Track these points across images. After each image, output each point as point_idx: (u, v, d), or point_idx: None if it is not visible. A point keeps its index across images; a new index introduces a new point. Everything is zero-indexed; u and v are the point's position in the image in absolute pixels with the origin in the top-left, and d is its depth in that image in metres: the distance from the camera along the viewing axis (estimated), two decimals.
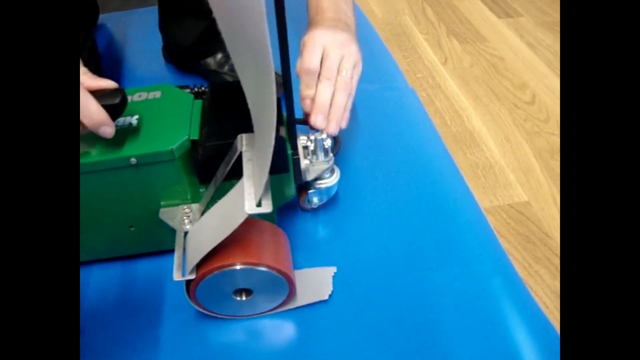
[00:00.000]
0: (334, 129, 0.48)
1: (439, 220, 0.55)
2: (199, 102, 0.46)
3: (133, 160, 0.40)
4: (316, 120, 0.48)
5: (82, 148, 0.41)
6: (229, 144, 0.40)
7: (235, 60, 0.29)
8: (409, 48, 1.13)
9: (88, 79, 0.39)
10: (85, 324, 0.46)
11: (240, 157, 0.39)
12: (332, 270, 0.48)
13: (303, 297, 0.46)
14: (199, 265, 0.39)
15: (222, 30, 0.27)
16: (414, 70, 1.05)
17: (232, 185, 0.41)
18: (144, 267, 0.51)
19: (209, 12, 0.71)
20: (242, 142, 0.39)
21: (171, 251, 0.49)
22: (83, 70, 0.40)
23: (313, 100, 0.49)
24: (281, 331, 0.46)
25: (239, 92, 0.44)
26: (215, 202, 0.40)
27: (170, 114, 0.43)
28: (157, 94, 0.45)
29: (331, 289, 0.47)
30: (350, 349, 0.44)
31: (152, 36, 0.83)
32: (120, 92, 0.39)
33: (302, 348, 0.44)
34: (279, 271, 0.41)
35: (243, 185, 0.37)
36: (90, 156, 0.40)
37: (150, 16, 0.93)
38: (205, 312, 0.45)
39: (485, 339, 0.44)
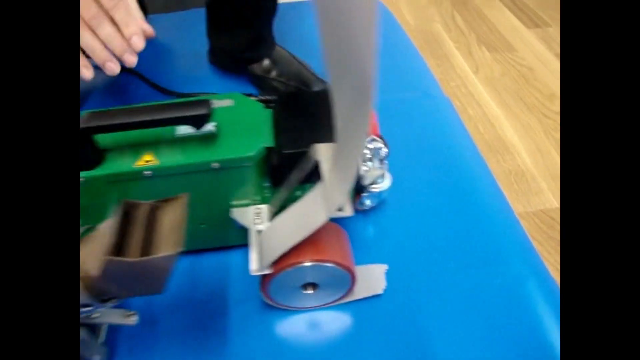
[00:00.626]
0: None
1: (476, 222, 0.59)
2: (268, 111, 0.50)
3: (215, 165, 0.44)
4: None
5: (167, 152, 0.45)
6: (303, 152, 0.44)
7: (334, 73, 0.33)
8: (442, 56, 1.16)
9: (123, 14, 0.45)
10: (158, 312, 0.50)
11: (314, 164, 0.43)
12: (384, 267, 0.52)
13: (359, 291, 0.50)
14: (274, 261, 0.44)
15: (327, 46, 0.30)
16: (447, 78, 1.08)
17: (302, 190, 0.45)
18: (209, 261, 0.55)
19: (256, 21, 0.74)
20: (319, 151, 0.43)
21: (234, 247, 0.54)
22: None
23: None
24: (339, 322, 0.50)
25: (306, 102, 0.49)
26: (286, 204, 0.45)
27: (245, 122, 0.48)
28: (230, 102, 0.50)
29: (385, 284, 0.51)
30: (402, 340, 0.48)
31: (196, 39, 0.87)
32: (207, 103, 0.43)
33: (358, 338, 0.48)
34: (344, 267, 0.45)
35: (320, 191, 0.41)
36: (176, 160, 0.45)
37: (192, 19, 0.98)
38: (271, 303, 0.49)
39: (521, 336, 0.48)
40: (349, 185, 0.38)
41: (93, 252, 0.33)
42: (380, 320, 0.49)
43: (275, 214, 0.48)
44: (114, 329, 0.48)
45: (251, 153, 0.45)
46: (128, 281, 0.33)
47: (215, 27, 0.79)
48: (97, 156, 0.45)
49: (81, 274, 0.33)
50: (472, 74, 0.99)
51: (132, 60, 0.49)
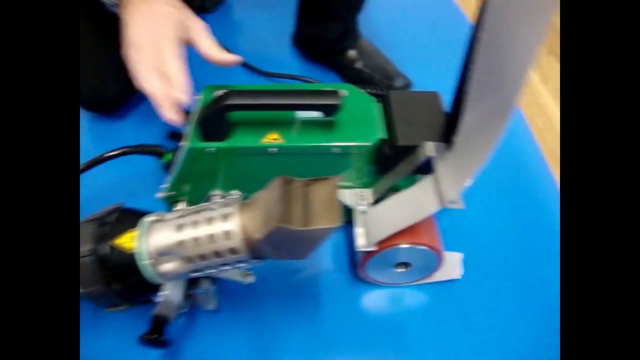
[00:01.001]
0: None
1: (538, 223, 0.64)
2: (378, 104, 0.54)
3: (336, 149, 0.49)
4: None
5: (291, 133, 0.50)
6: (415, 146, 0.49)
7: (483, 84, 0.37)
8: None
9: (212, 50, 0.52)
10: (257, 276, 0.56)
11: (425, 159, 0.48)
12: (461, 255, 0.57)
13: (439, 274, 0.55)
14: (380, 240, 0.49)
15: (484, 62, 0.35)
16: None
17: (407, 180, 0.50)
18: None
19: (347, 14, 0.77)
20: (431, 148, 0.47)
21: None
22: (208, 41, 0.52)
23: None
24: (419, 299, 0.56)
25: (414, 100, 0.53)
26: (388, 191, 0.50)
27: (359, 112, 0.52)
28: (345, 93, 0.54)
29: (462, 271, 0.56)
30: (475, 322, 0.54)
31: (275, 19, 0.90)
32: (338, 94, 0.47)
33: (434, 315, 0.54)
34: (435, 250, 0.50)
35: (432, 183, 0.46)
36: (301, 141, 0.49)
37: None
38: (363, 277, 0.55)
39: None
40: (466, 183, 0.43)
41: (255, 218, 0.38)
42: (457, 302, 0.55)
43: (377, 198, 0.53)
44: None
45: (369, 142, 0.49)
46: (284, 246, 0.38)
47: (306, 16, 0.83)
48: (226, 130, 0.50)
49: (244, 236, 0.38)
50: (540, 84, 1.01)
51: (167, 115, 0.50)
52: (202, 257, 0.39)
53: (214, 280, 0.49)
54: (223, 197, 0.54)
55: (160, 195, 0.56)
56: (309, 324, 0.53)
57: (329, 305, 0.55)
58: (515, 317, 0.54)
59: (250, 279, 0.49)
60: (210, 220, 0.39)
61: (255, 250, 0.39)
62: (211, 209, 0.39)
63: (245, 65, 0.83)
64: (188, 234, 0.39)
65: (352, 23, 0.80)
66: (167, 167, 0.56)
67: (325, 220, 0.37)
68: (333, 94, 0.47)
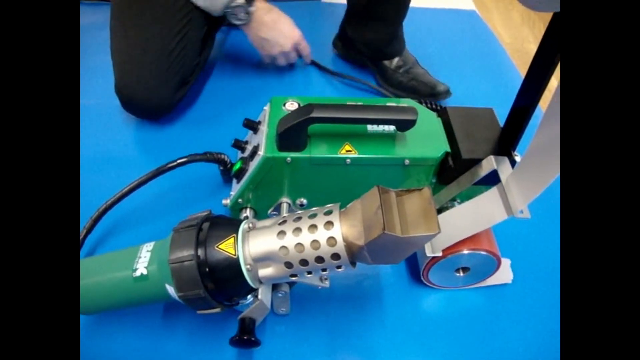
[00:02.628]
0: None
1: None
2: (438, 119, 0.58)
3: (407, 161, 0.53)
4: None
5: (364, 145, 0.53)
6: (479, 159, 0.52)
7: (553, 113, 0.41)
8: None
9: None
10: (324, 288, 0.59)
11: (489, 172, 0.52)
12: (509, 261, 0.61)
13: (492, 278, 0.59)
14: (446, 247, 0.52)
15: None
16: (543, 99, 1.14)
17: (469, 191, 0.54)
18: None
19: (396, 18, 0.82)
20: (493, 162, 0.51)
21: None
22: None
23: None
24: (474, 301, 0.59)
25: (474, 118, 0.57)
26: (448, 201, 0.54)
27: (424, 127, 0.56)
28: (409, 106, 0.57)
29: (512, 275, 0.60)
30: (528, 324, 0.57)
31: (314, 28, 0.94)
32: (414, 110, 0.51)
33: (492, 316, 0.58)
34: (494, 255, 0.54)
35: (498, 194, 0.50)
36: (375, 153, 0.53)
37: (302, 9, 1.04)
38: (425, 282, 0.58)
39: None
40: (535, 195, 0.47)
41: (356, 225, 0.41)
42: (509, 304, 0.59)
43: (439, 207, 0.57)
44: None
45: (437, 155, 0.53)
46: (382, 252, 0.41)
47: (357, 18, 0.86)
48: (305, 141, 0.52)
49: (346, 242, 0.41)
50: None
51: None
52: (304, 262, 0.42)
53: (291, 285, 0.52)
54: (290, 205, 0.58)
55: (226, 202, 0.59)
56: (373, 325, 0.56)
57: (390, 307, 0.58)
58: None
59: (327, 284, 0.52)
60: (313, 228, 0.41)
61: (354, 255, 0.42)
62: (312, 217, 0.42)
63: (314, 64, 0.93)
64: (291, 240, 0.41)
65: (399, 28, 0.84)
66: (236, 175, 0.58)
67: (424, 228, 0.40)
68: (410, 110, 0.51)
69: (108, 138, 0.77)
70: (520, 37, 1.21)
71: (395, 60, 0.85)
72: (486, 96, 0.89)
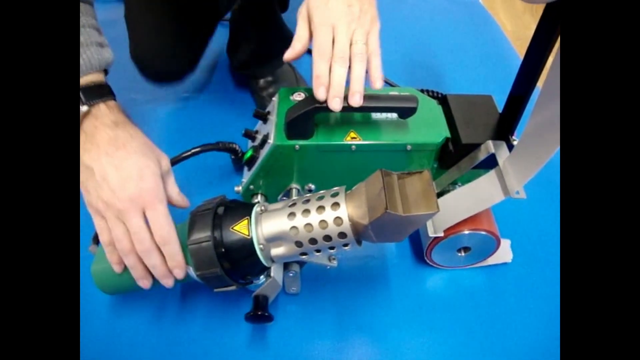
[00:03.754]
0: (358, 102, 0.50)
1: None
2: (439, 107, 0.61)
3: (409, 147, 0.55)
4: (332, 104, 0.49)
5: (368, 132, 0.56)
6: (478, 144, 0.55)
7: (546, 98, 0.44)
8: None
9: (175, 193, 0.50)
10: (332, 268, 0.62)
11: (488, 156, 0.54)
12: (508, 241, 0.64)
13: (492, 258, 0.62)
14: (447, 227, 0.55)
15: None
16: (541, 84, 1.16)
17: (468, 175, 0.56)
18: None
19: (261, 38, 0.79)
20: (491, 146, 0.54)
21: None
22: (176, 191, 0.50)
23: (327, 85, 0.49)
24: (475, 280, 0.62)
25: (473, 105, 0.59)
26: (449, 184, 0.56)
27: (425, 113, 0.58)
28: (410, 94, 0.60)
29: (512, 255, 0.63)
30: (528, 301, 0.60)
31: None
32: (415, 98, 0.53)
33: (493, 294, 0.61)
34: (494, 235, 0.57)
35: (495, 176, 0.52)
36: (378, 139, 0.55)
37: None
38: (428, 261, 0.61)
39: None
40: (530, 176, 0.49)
41: (361, 206, 0.44)
42: (509, 283, 0.62)
43: (440, 190, 0.59)
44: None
45: (437, 140, 0.56)
46: (385, 230, 0.44)
47: (235, 33, 0.85)
48: (312, 129, 0.55)
49: (352, 222, 0.44)
50: None
51: (169, 283, 0.48)
52: (313, 241, 0.45)
53: (301, 264, 0.55)
54: (299, 191, 0.61)
55: (238, 189, 0.62)
56: (379, 303, 0.59)
57: (395, 287, 0.61)
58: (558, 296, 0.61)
59: (335, 263, 0.55)
60: (320, 209, 0.44)
61: (359, 234, 0.45)
62: (319, 199, 0.45)
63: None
64: (300, 220, 0.45)
65: (271, 47, 0.81)
66: (247, 163, 0.61)
67: (424, 207, 0.43)
68: (411, 98, 0.54)
69: None
70: (522, 25, 1.22)
71: (260, 82, 0.84)
72: (488, 83, 0.91)
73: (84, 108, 0.43)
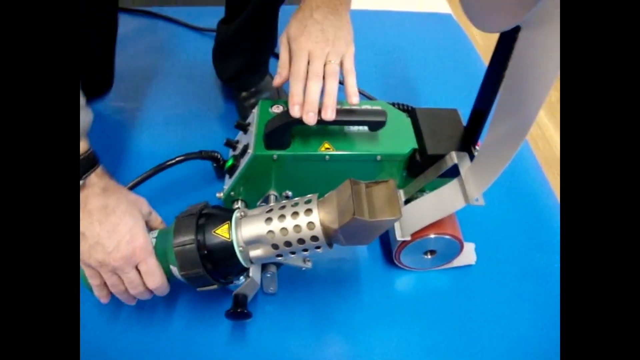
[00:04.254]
0: (330, 115, 0.54)
1: (537, 216, 0.76)
2: (408, 119, 0.65)
3: (379, 157, 0.60)
4: (307, 118, 0.54)
5: (341, 143, 0.60)
6: (442, 155, 0.60)
7: (505, 110, 0.49)
8: None
9: (158, 222, 0.56)
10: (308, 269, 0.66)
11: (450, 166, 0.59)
12: (473, 245, 0.69)
13: (458, 260, 0.67)
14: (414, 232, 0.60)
15: (508, 94, 0.46)
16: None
17: (433, 183, 0.61)
18: None
19: (249, 51, 0.83)
20: (454, 157, 0.58)
21: None
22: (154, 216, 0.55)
23: (302, 103, 0.54)
24: (441, 281, 0.67)
25: (439, 118, 0.64)
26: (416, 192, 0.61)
27: (394, 125, 0.63)
28: (379, 108, 0.64)
29: (476, 257, 0.68)
30: (488, 297, 0.65)
31: None
32: (384, 112, 0.58)
33: (458, 294, 0.65)
34: (457, 239, 0.62)
35: (458, 185, 0.57)
36: (350, 149, 0.60)
37: None
38: (398, 264, 0.65)
39: None
40: (488, 185, 0.54)
41: (332, 212, 0.48)
42: (474, 283, 0.67)
43: (408, 197, 0.64)
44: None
45: (405, 151, 0.60)
46: (354, 234, 0.48)
47: (219, 46, 0.87)
48: (288, 140, 0.59)
49: (323, 226, 0.48)
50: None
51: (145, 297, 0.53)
52: (288, 243, 0.49)
53: (278, 266, 0.59)
54: (276, 197, 0.65)
55: (220, 195, 0.66)
56: (352, 303, 0.64)
57: (367, 287, 0.65)
58: (520, 295, 0.66)
59: (310, 265, 0.59)
60: (295, 215, 0.48)
61: (330, 237, 0.49)
62: (294, 205, 0.49)
63: None
64: (276, 225, 0.48)
65: (259, 60, 0.85)
66: (228, 171, 0.65)
67: (389, 213, 0.47)
68: (381, 112, 0.58)
69: (115, 139, 0.84)
70: (494, 40, 1.29)
71: (243, 94, 0.87)
72: (459, 95, 0.96)
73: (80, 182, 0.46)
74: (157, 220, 0.57)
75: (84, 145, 0.48)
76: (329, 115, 0.55)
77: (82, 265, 0.50)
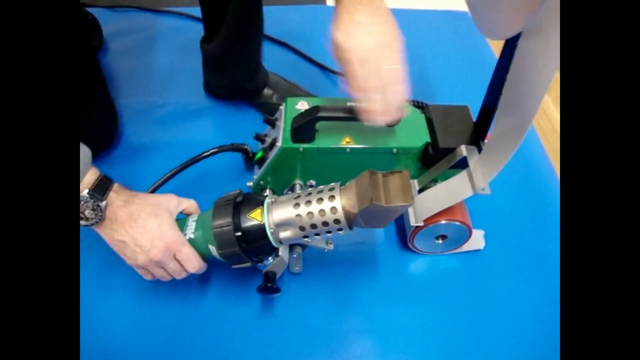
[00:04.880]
0: (398, 117, 0.59)
1: (544, 206, 0.81)
2: (421, 115, 0.71)
3: (395, 150, 0.66)
4: (381, 121, 0.58)
5: (360, 137, 0.66)
6: (453, 148, 0.65)
7: (509, 104, 0.54)
8: None
9: (191, 207, 0.61)
10: (330, 252, 0.72)
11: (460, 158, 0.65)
12: (482, 232, 0.74)
13: (467, 245, 0.72)
14: (426, 218, 0.66)
15: (512, 89, 0.51)
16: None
17: (444, 174, 0.67)
18: None
19: (251, 62, 0.88)
20: (463, 150, 0.64)
21: None
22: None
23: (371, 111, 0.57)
24: (452, 264, 0.73)
25: (451, 114, 0.69)
26: (430, 181, 0.67)
27: (410, 121, 0.68)
28: None
29: (484, 243, 0.73)
30: (495, 280, 0.71)
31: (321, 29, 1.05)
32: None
33: (467, 276, 0.71)
34: (466, 225, 0.67)
35: (466, 175, 0.63)
36: (369, 143, 0.66)
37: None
38: (411, 247, 0.71)
39: None
40: (493, 176, 0.60)
41: (352, 198, 0.54)
42: (483, 267, 0.72)
43: (422, 187, 0.70)
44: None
45: (419, 145, 0.66)
46: (372, 218, 0.54)
47: (213, 66, 0.89)
48: (313, 134, 0.66)
49: (345, 211, 0.54)
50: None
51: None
52: (313, 226, 0.55)
53: (303, 247, 0.66)
54: (301, 186, 0.71)
55: (250, 184, 0.72)
56: (369, 282, 0.70)
57: (383, 268, 0.72)
58: (525, 278, 0.72)
59: (332, 247, 0.66)
60: (320, 200, 0.55)
61: (351, 221, 0.55)
62: (319, 192, 0.56)
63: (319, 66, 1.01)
64: (303, 209, 0.55)
65: (258, 67, 0.89)
66: (257, 162, 0.72)
67: (402, 200, 0.53)
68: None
69: (150, 132, 0.91)
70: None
71: (265, 91, 0.90)
72: (472, 93, 1.00)
73: (103, 203, 0.52)
74: (191, 206, 0.63)
75: (94, 173, 0.53)
76: (397, 116, 0.60)
77: (134, 267, 0.58)
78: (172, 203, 0.59)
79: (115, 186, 0.55)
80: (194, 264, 0.58)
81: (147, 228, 0.54)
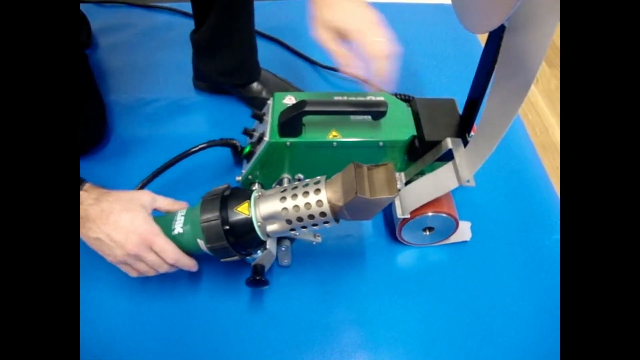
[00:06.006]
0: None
1: (531, 197, 0.82)
2: (407, 108, 0.72)
3: (381, 143, 0.67)
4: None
5: (347, 131, 0.67)
6: (439, 141, 0.66)
7: (500, 89, 0.54)
8: None
9: (166, 204, 0.61)
10: (318, 245, 0.73)
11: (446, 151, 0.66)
12: (469, 223, 0.75)
13: (454, 237, 0.73)
14: (413, 210, 0.67)
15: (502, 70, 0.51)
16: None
17: (430, 166, 0.67)
18: None
19: (242, 46, 0.88)
20: (449, 143, 0.65)
21: None
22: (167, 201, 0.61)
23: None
24: (439, 255, 0.74)
25: (437, 107, 0.70)
26: (416, 174, 0.68)
27: (395, 114, 0.69)
28: (381, 99, 0.71)
29: (471, 235, 0.74)
30: (480, 274, 0.72)
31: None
32: (385, 103, 0.64)
33: (454, 267, 0.72)
34: (453, 217, 0.68)
35: (452, 167, 0.63)
36: (355, 137, 0.66)
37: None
38: (399, 239, 0.72)
39: None
40: (477, 168, 0.61)
41: (338, 191, 0.55)
42: (470, 257, 0.73)
43: (408, 180, 0.71)
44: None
45: (405, 138, 0.67)
46: (357, 210, 0.55)
47: (204, 53, 0.89)
48: (300, 128, 0.66)
49: (330, 204, 0.55)
50: (532, 85, 1.18)
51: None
52: (300, 219, 0.56)
53: (291, 240, 0.67)
54: (289, 180, 0.72)
55: (239, 178, 0.73)
56: (358, 274, 0.71)
57: (371, 261, 0.72)
58: (510, 268, 0.73)
59: (320, 239, 0.67)
60: (305, 194, 0.56)
61: (336, 213, 0.56)
62: (305, 186, 0.56)
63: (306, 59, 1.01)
64: (290, 203, 0.56)
65: (250, 55, 0.89)
66: (246, 157, 0.72)
67: (387, 192, 0.54)
68: (382, 103, 0.65)
69: (140, 128, 0.91)
70: None
71: (254, 86, 0.91)
72: (458, 86, 1.01)
73: None
74: (164, 203, 0.62)
75: None
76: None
77: (117, 265, 0.58)
78: (145, 199, 0.60)
79: (87, 185, 0.56)
80: (170, 254, 0.57)
81: (120, 223, 0.55)
